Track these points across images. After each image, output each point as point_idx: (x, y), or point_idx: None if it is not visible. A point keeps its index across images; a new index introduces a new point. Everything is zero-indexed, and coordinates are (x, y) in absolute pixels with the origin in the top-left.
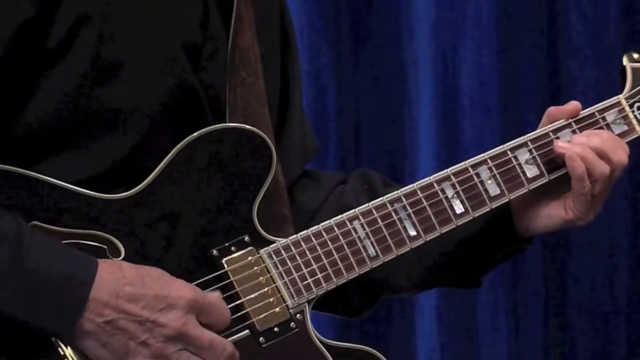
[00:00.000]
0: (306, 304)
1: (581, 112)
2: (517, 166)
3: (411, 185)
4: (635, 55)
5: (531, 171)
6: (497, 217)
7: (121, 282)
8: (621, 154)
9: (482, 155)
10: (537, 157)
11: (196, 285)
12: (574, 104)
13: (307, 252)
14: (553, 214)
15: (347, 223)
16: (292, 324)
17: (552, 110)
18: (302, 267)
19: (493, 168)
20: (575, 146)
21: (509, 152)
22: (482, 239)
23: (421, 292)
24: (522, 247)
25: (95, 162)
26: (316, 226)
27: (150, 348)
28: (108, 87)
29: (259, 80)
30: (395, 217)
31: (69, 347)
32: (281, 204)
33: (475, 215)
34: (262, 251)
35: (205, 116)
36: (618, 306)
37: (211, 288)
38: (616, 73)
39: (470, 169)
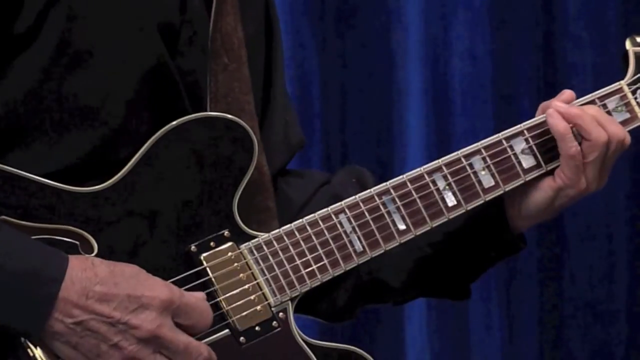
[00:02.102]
0: (289, 302)
1: (581, 99)
2: (512, 156)
3: (400, 176)
4: (639, 39)
5: (527, 161)
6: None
7: (92, 281)
8: (617, 128)
9: (475, 144)
10: (533, 147)
11: (174, 282)
12: (567, 93)
13: (291, 247)
14: (542, 185)
15: (333, 217)
16: (275, 323)
17: (544, 104)
18: (285, 263)
19: (487, 158)
20: (560, 107)
21: (504, 142)
22: (472, 228)
23: (409, 298)
24: (515, 243)
25: (66, 153)
26: (300, 220)
27: (123, 351)
28: (79, 74)
29: (243, 66)
30: (383, 211)
31: (38, 348)
32: (266, 196)
33: (468, 208)
34: (242, 247)
35: (183, 104)
36: (617, 303)
37: (190, 285)
38: (615, 57)
39: (463, 159)
